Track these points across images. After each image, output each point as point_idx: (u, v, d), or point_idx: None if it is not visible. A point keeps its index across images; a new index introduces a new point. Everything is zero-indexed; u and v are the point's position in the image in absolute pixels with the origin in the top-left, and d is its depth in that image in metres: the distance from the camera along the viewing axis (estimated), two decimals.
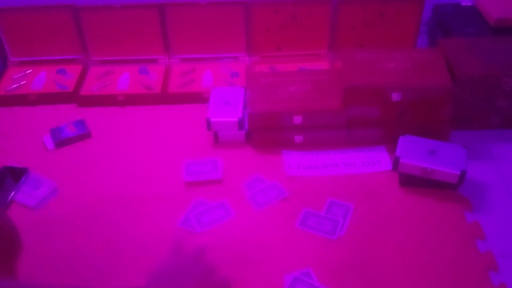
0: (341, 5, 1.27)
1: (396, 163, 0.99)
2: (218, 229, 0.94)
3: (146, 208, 0.99)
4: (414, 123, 1.08)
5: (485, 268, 0.86)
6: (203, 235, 0.93)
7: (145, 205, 0.99)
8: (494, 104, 1.11)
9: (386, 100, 1.05)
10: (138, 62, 1.34)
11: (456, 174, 0.95)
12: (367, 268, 0.87)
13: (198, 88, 1.27)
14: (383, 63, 1.08)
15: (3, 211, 0.68)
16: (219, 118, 1.09)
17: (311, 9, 1.28)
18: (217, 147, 1.13)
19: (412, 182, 1.00)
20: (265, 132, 1.11)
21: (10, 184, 1.03)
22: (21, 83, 1.30)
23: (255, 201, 0.99)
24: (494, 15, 1.27)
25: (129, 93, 1.26)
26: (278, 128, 1.10)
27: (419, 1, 1.27)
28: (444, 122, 1.08)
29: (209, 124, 1.09)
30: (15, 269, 0.59)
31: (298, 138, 1.11)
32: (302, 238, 0.92)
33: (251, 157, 1.10)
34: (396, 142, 1.02)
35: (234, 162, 1.08)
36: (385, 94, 1.04)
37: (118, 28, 1.31)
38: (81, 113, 1.23)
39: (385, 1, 1.27)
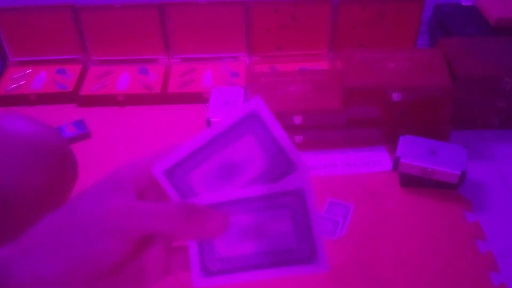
0: (341, 5, 1.27)
1: (396, 163, 0.99)
2: None
3: None
4: (415, 123, 1.08)
5: (486, 268, 0.86)
6: None
7: None
8: (494, 104, 1.11)
9: (386, 100, 1.05)
10: (138, 62, 1.34)
11: (457, 174, 0.95)
12: (367, 268, 0.86)
13: (198, 88, 1.27)
14: (384, 63, 1.08)
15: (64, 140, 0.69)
16: (219, 118, 1.09)
17: (311, 9, 1.28)
18: None
19: (412, 182, 1.00)
20: None
21: None
22: (21, 83, 1.30)
23: None
24: (495, 15, 1.27)
25: (129, 93, 1.26)
26: None
27: (419, 1, 1.26)
28: (444, 122, 1.08)
29: (209, 124, 1.09)
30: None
31: (298, 138, 1.11)
32: None
33: None
34: (397, 142, 1.02)
35: None
36: (385, 94, 1.04)
37: (118, 28, 1.30)
38: (80, 113, 1.23)
39: (385, 1, 1.26)
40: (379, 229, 0.93)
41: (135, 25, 1.30)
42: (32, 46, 1.34)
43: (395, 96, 1.04)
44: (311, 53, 1.34)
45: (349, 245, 0.90)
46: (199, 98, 1.24)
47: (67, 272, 0.33)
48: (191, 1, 1.27)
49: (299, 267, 0.36)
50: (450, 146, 1.00)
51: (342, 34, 1.31)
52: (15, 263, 0.33)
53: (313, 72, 1.20)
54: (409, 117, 1.07)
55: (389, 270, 0.86)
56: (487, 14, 1.30)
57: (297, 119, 1.07)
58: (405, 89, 1.04)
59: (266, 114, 0.36)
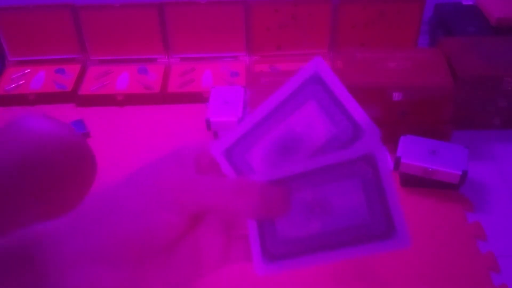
0: (342, 4, 1.26)
1: (397, 163, 0.98)
2: None
3: None
4: (415, 123, 1.07)
5: (486, 268, 0.86)
6: None
7: None
8: (496, 104, 1.10)
9: (387, 100, 1.04)
10: (137, 62, 1.34)
11: (458, 174, 0.94)
12: (367, 268, 0.86)
13: (197, 87, 1.27)
14: (384, 62, 1.07)
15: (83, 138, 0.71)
16: (219, 118, 1.09)
17: (311, 9, 1.28)
18: None
19: (413, 182, 0.99)
20: None
21: None
22: (20, 82, 1.30)
23: None
24: (495, 14, 1.26)
25: (128, 92, 1.26)
26: None
27: (420, 1, 1.26)
28: (445, 122, 1.08)
29: (209, 124, 1.09)
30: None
31: None
32: None
33: None
34: (397, 142, 1.01)
35: None
36: (386, 94, 1.04)
37: (117, 28, 1.30)
38: (80, 113, 1.23)
39: (385, 0, 1.26)
40: None
41: (135, 24, 1.30)
42: (31, 46, 1.34)
43: (396, 96, 1.04)
44: (311, 53, 1.33)
45: None
46: (199, 98, 1.24)
47: (116, 246, 0.31)
48: (191, 1, 1.27)
49: (375, 245, 0.31)
50: (451, 146, 0.99)
51: (343, 33, 1.31)
52: (65, 235, 0.32)
53: None
54: (410, 117, 1.07)
55: (389, 270, 0.86)
56: (487, 13, 1.30)
57: None
58: (406, 89, 1.03)
59: (329, 75, 0.32)
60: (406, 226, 0.31)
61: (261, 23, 1.29)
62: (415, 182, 0.99)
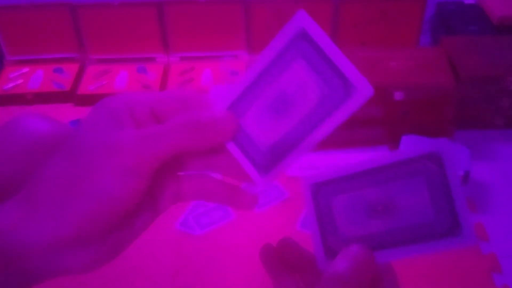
0: (343, 3, 1.26)
1: None
2: (217, 231, 0.93)
3: None
4: (417, 123, 1.07)
5: (488, 269, 0.85)
6: (202, 236, 0.92)
7: None
8: (498, 103, 1.10)
9: (388, 99, 1.04)
10: (136, 61, 1.33)
11: (460, 175, 0.94)
12: None
13: (197, 86, 1.26)
14: (386, 62, 1.07)
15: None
16: None
17: (311, 7, 1.27)
18: None
19: None
20: None
21: None
22: (18, 82, 1.29)
23: None
24: (498, 13, 1.26)
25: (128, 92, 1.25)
26: None
27: None
28: (447, 122, 1.07)
29: None
30: None
31: None
32: (303, 240, 0.90)
33: None
34: (399, 142, 1.01)
35: None
36: (387, 93, 1.03)
37: (116, 27, 1.29)
38: (78, 112, 1.22)
39: None
40: None
41: (134, 23, 1.29)
42: (29, 45, 1.33)
43: (397, 95, 1.03)
44: None
45: None
46: None
47: (83, 224, 0.30)
48: None
49: (440, 242, 0.31)
50: (453, 146, 0.99)
51: (344, 32, 1.30)
52: (23, 226, 0.29)
53: None
54: (412, 116, 1.06)
55: None
56: (490, 12, 1.30)
57: None
58: (408, 88, 1.03)
59: (315, 30, 0.31)
60: (471, 223, 0.30)
61: (261, 21, 1.29)
62: None
